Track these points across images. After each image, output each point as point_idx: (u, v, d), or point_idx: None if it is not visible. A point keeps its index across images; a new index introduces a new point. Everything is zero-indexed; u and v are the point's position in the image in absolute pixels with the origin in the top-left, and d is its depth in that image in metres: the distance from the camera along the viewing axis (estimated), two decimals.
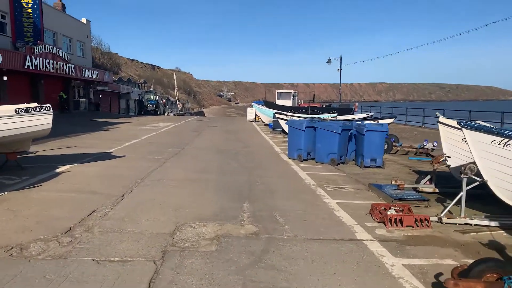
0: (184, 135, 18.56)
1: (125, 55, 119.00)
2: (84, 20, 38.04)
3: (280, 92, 32.77)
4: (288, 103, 30.48)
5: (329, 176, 9.15)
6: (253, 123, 29.79)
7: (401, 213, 5.60)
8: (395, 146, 14.01)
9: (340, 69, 40.18)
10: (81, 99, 36.73)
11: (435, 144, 13.46)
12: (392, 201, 6.56)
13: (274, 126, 21.58)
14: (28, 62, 23.37)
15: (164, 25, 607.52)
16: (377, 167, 10.50)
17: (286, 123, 12.84)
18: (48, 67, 25.82)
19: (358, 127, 10.85)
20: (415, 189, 7.47)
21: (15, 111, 7.67)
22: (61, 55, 27.73)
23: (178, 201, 6.44)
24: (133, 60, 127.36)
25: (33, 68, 23.99)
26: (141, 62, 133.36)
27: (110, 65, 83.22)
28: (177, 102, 29.75)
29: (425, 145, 13.63)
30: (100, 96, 45.08)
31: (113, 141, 14.65)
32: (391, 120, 19.72)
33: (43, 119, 8.20)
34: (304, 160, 11.28)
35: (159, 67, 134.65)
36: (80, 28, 37.06)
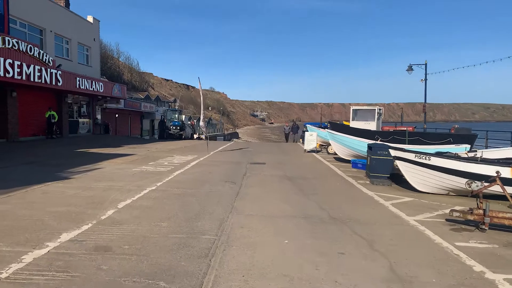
0: (204, 202, 8.60)
1: (160, 76, 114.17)
2: (90, 19, 29.57)
3: (356, 110, 21.39)
4: (371, 125, 19.96)
5: None
6: (315, 154, 19.81)
7: None
8: None
9: (426, 79, 29.73)
10: (81, 120, 28.01)
11: None
12: None
13: (373, 168, 11.39)
14: None
15: (199, 45, 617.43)
16: None
17: None
18: (11, 72, 16.96)
19: None
20: None
21: None
22: (37, 55, 18.87)
23: None
24: (168, 80, 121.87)
25: None
26: (175, 82, 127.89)
27: (139, 83, 76.22)
28: (201, 119, 20.30)
29: None
30: (117, 115, 36.75)
31: None
32: None
33: None
34: None
35: (193, 87, 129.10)
36: (85, 28, 28.58)
